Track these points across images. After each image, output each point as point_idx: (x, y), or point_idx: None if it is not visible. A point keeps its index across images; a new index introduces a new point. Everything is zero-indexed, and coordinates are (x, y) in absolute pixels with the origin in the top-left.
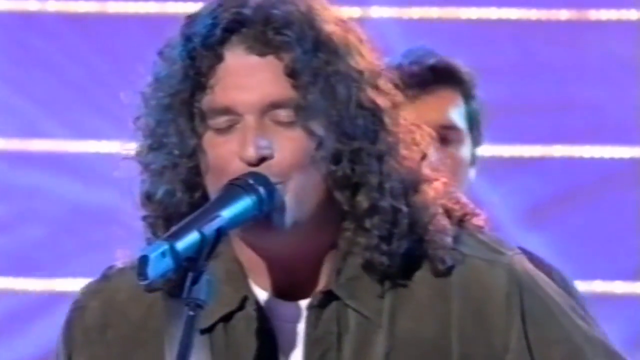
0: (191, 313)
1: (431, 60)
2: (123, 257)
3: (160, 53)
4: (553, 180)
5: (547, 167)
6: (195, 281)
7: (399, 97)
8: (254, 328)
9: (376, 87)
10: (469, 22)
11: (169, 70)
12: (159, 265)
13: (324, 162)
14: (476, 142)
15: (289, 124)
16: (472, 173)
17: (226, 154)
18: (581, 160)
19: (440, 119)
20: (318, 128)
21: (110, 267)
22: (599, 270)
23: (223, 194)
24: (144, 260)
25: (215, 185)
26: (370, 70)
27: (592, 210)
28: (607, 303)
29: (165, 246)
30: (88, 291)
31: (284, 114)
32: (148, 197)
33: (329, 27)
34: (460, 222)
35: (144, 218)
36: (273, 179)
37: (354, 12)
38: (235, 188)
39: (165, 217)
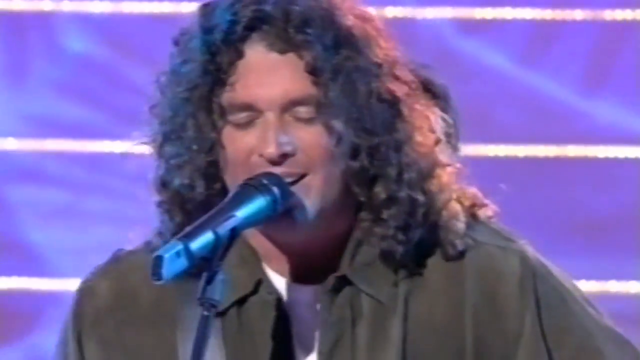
0: (206, 313)
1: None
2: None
3: (176, 42)
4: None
5: (560, 167)
6: (209, 281)
7: (415, 83)
8: (268, 312)
9: (394, 77)
10: (484, 21)
11: (188, 63)
12: (174, 265)
13: (343, 157)
14: (454, 150)
15: (309, 121)
16: None
17: (245, 148)
18: (595, 161)
19: None
20: (338, 124)
21: (120, 250)
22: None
23: (237, 194)
24: (158, 260)
25: (233, 180)
26: (389, 61)
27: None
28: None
29: (180, 246)
30: (98, 272)
31: (304, 111)
32: (163, 185)
33: (349, 21)
34: (471, 210)
35: (159, 204)
36: (295, 173)
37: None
38: (249, 188)
39: (182, 204)
